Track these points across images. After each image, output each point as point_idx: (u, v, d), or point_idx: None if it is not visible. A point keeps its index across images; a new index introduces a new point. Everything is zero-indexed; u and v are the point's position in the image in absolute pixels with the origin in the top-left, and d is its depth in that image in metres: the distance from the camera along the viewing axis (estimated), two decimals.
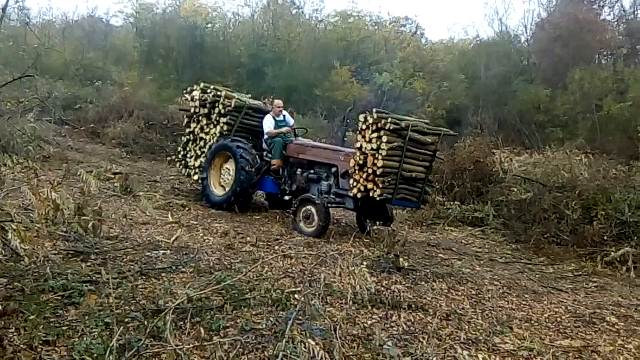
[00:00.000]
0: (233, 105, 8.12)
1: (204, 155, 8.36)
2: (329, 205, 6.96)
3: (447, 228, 8.71)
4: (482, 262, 6.67)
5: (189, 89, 8.93)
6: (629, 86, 19.12)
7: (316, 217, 6.74)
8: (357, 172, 6.58)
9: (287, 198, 7.72)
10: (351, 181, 6.68)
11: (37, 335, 3.07)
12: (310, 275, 4.86)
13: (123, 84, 18.93)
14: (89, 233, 4.53)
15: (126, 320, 3.42)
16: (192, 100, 8.63)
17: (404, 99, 20.11)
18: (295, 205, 7.02)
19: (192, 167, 8.63)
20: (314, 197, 6.96)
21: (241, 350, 3.24)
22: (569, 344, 4.01)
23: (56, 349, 3.03)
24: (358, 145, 6.63)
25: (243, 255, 5.50)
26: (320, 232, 6.68)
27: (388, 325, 3.96)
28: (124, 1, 27.03)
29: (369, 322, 3.95)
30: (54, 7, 50.48)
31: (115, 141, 13.29)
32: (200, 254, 5.26)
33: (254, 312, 3.83)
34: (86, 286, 3.89)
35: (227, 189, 7.88)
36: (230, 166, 7.96)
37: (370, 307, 4.22)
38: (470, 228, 8.73)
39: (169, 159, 10.28)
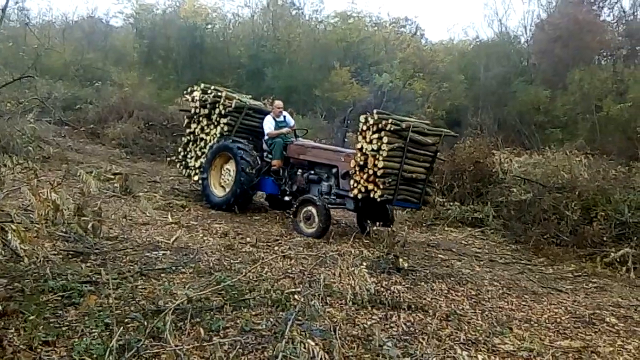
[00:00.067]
0: (233, 105, 8.12)
1: (204, 155, 8.36)
2: (329, 205, 6.96)
3: (446, 228, 8.71)
4: (481, 262, 6.67)
5: (189, 90, 8.94)
6: (629, 87, 19.14)
7: (316, 218, 6.74)
8: (357, 172, 6.58)
9: (287, 198, 7.72)
10: (351, 182, 6.68)
11: (36, 335, 3.07)
12: (309, 276, 4.86)
13: (123, 85, 18.95)
14: (89, 233, 4.53)
15: (126, 320, 3.42)
16: (192, 100, 8.63)
17: (403, 100, 20.13)
18: (295, 206, 7.02)
19: (192, 168, 8.62)
20: (314, 198, 6.96)
21: (241, 350, 3.24)
22: (568, 344, 4.01)
23: (56, 349, 3.03)
24: (358, 145, 6.63)
25: (242, 255, 5.50)
26: (321, 233, 6.68)
27: (387, 326, 3.96)
28: (124, 2, 27.03)
29: (369, 323, 3.95)
30: (53, 8, 50.13)
31: (114, 141, 13.30)
32: (199, 254, 5.26)
33: (253, 313, 3.83)
34: (86, 286, 3.89)
35: (227, 190, 7.88)
36: (231, 167, 7.97)
37: (369, 308, 4.22)
38: (469, 228, 8.73)
39: (168, 159, 10.27)
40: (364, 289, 4.27)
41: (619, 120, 18.02)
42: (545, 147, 13.17)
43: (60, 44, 21.93)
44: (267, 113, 8.16)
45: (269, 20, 25.38)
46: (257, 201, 8.76)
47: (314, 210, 6.79)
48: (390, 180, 6.36)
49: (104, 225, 4.76)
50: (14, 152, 8.24)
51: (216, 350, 2.96)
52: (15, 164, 5.69)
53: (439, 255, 6.73)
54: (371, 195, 6.44)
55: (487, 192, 9.63)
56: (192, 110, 8.62)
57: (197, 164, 8.51)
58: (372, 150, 6.40)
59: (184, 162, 8.81)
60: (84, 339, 3.11)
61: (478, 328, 4.14)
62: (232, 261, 5.19)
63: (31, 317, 3.26)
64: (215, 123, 8.30)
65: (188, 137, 8.80)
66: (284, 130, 7.93)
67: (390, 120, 6.37)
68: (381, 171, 6.32)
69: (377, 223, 6.97)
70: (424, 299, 4.73)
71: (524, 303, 4.99)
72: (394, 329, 3.92)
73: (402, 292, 4.78)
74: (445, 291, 5.06)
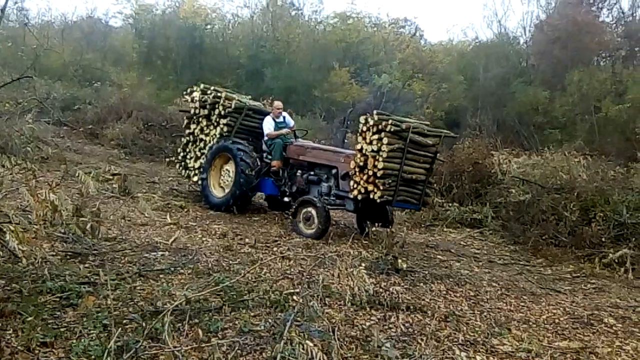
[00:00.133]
0: (233, 106, 8.11)
1: (203, 156, 8.36)
2: (329, 206, 6.96)
3: (445, 229, 8.71)
4: (480, 263, 6.68)
5: (188, 90, 8.93)
6: (627, 88, 19.15)
7: (316, 219, 6.73)
8: (357, 173, 6.58)
9: (286, 199, 7.72)
10: (351, 183, 6.68)
11: (34, 336, 3.06)
12: (308, 277, 4.86)
13: (122, 85, 18.92)
14: (87, 234, 4.53)
15: (124, 321, 3.42)
16: (192, 101, 8.62)
17: (402, 100, 20.12)
18: (295, 207, 7.02)
19: (192, 169, 8.62)
20: (314, 199, 6.96)
21: (239, 351, 3.24)
22: (566, 345, 4.02)
23: (54, 350, 3.03)
24: (358, 146, 6.63)
25: (241, 256, 5.50)
26: (320, 234, 6.68)
27: (386, 327, 3.96)
28: (123, 2, 26.99)
29: (367, 324, 3.95)
30: (52, 8, 50.48)
31: (113, 142, 13.29)
32: (198, 255, 5.26)
33: (252, 314, 3.83)
34: (84, 287, 3.88)
35: (227, 191, 7.88)
36: (230, 167, 7.96)
37: (368, 309, 4.22)
38: (468, 229, 8.74)
39: (167, 159, 10.27)
40: (363, 289, 4.27)
41: (618, 121, 18.04)
42: (544, 148, 13.19)
43: (59, 44, 21.91)
44: (267, 114, 8.16)
45: (269, 20, 25.37)
46: (256, 202, 8.76)
47: (313, 212, 6.79)
48: (390, 181, 6.36)
49: (102, 226, 4.76)
50: (12, 153, 8.21)
51: (215, 351, 2.96)
52: (14, 165, 5.67)
53: (438, 256, 6.73)
54: (371, 196, 6.44)
55: (486, 193, 9.63)
56: (192, 111, 8.61)
57: (197, 165, 8.50)
58: (372, 151, 6.40)
59: (183, 163, 8.80)
60: (82, 340, 3.11)
61: (477, 329, 4.14)
62: (230, 262, 5.19)
63: (29, 318, 3.26)
64: (215, 124, 8.29)
65: (187, 138, 8.79)
66: (284, 131, 7.93)
67: (390, 121, 6.38)
68: (381, 172, 6.32)
69: (377, 224, 6.98)
70: (423, 299, 4.74)
71: (522, 304, 5.00)
72: (392, 329, 3.92)
73: (401, 293, 4.78)
74: (444, 292, 5.07)
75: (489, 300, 4.99)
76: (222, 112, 8.15)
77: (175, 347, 2.91)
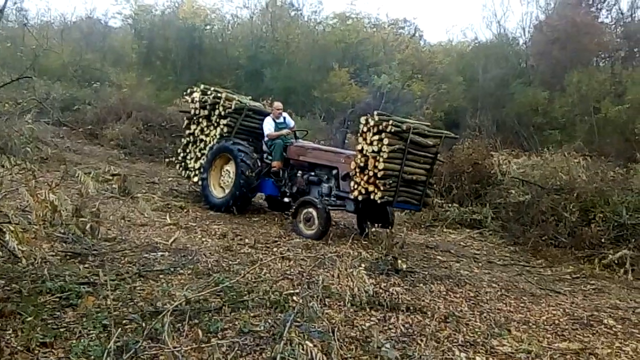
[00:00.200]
0: (233, 106, 8.11)
1: (203, 157, 8.35)
2: (329, 207, 6.96)
3: (445, 230, 8.71)
4: (480, 264, 6.68)
5: (188, 91, 8.92)
6: (627, 88, 19.18)
7: (316, 220, 6.72)
8: (357, 174, 6.58)
9: (286, 200, 7.72)
10: (352, 183, 6.68)
11: (34, 336, 3.06)
12: (308, 277, 4.86)
13: (121, 85, 18.93)
14: (87, 234, 4.53)
15: (124, 321, 3.42)
16: (192, 101, 8.62)
17: (402, 101, 20.13)
18: (295, 207, 7.01)
19: (192, 169, 8.61)
20: (315, 199, 6.95)
21: (239, 352, 3.24)
22: (566, 346, 4.02)
23: (53, 350, 3.03)
24: (359, 147, 6.62)
25: (241, 256, 5.49)
26: (320, 235, 6.67)
27: (386, 327, 3.96)
28: (122, 2, 26.93)
29: (367, 324, 3.95)
30: (52, 8, 50.29)
31: (113, 142, 13.28)
32: (198, 255, 5.26)
33: (252, 314, 3.83)
34: (84, 288, 3.88)
35: (227, 191, 7.87)
36: (230, 168, 7.95)
37: (368, 309, 4.21)
38: (468, 230, 8.74)
39: (167, 160, 10.26)
40: (363, 290, 4.27)
41: (617, 122, 18.06)
42: (544, 148, 13.22)
43: (58, 44, 21.89)
44: (267, 114, 8.16)
45: (268, 21, 25.36)
46: (256, 202, 8.75)
47: (314, 212, 6.78)
48: (390, 181, 6.36)
49: (102, 226, 4.76)
50: (12, 153, 8.20)
51: (214, 351, 2.95)
52: (13, 165, 5.66)
53: (438, 257, 6.73)
54: (371, 197, 6.44)
55: (486, 193, 9.63)
56: (192, 112, 8.61)
57: (197, 165, 8.50)
58: (373, 151, 6.40)
59: (183, 164, 8.80)
60: (82, 341, 3.10)
61: (476, 330, 4.14)
62: (230, 262, 5.19)
63: (29, 319, 3.25)
64: (215, 124, 8.29)
65: (187, 139, 8.79)
66: (284, 131, 7.93)
67: (390, 122, 6.38)
68: (381, 173, 6.32)
69: (377, 225, 6.98)
70: (423, 300, 4.73)
71: (522, 305, 5.00)
72: (392, 330, 3.92)
73: (401, 294, 4.78)
74: (444, 293, 5.06)
75: (488, 301, 4.99)
76: (222, 113, 8.14)
77: (175, 347, 2.90)
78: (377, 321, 4.05)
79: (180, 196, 8.61)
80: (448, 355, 3.57)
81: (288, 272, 5.04)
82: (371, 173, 6.41)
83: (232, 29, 26.92)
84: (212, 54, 23.79)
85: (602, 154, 12.33)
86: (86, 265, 4.46)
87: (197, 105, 8.47)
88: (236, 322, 3.65)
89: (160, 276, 4.49)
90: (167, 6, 26.57)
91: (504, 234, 8.40)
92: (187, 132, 8.78)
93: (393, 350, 3.46)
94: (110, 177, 8.22)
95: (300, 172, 7.61)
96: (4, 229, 3.56)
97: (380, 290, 4.80)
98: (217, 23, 26.56)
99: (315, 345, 3.08)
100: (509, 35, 26.55)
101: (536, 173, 10.08)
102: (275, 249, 6.05)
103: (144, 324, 3.26)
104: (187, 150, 8.75)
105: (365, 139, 6.55)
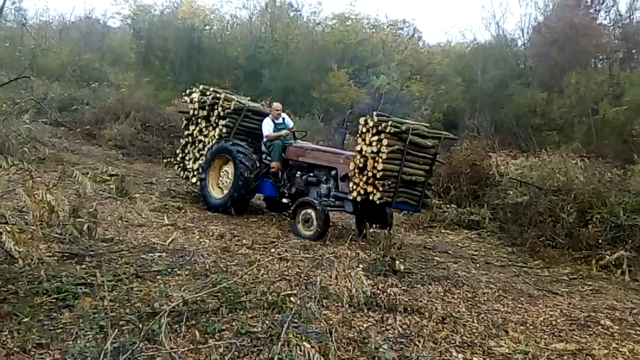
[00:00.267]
0: (232, 107, 8.10)
1: (202, 157, 8.34)
2: (328, 208, 6.96)
3: (443, 231, 8.72)
4: (477, 265, 6.68)
5: (187, 91, 8.92)
6: (625, 90, 19.22)
7: (315, 221, 6.72)
8: (356, 175, 6.58)
9: (285, 200, 7.71)
10: (351, 184, 6.68)
11: (30, 337, 3.05)
12: (306, 278, 4.86)
13: (119, 85, 18.92)
14: (84, 235, 4.53)
15: (120, 322, 3.41)
16: (191, 102, 8.61)
17: (400, 102, 20.12)
18: (294, 208, 7.00)
19: (190, 170, 8.60)
20: (314, 201, 6.95)
21: (236, 353, 3.23)
22: (563, 347, 4.02)
23: (50, 351, 3.02)
24: (358, 148, 6.62)
25: (239, 257, 5.49)
26: (318, 236, 6.68)
27: (383, 328, 3.96)
28: (121, 2, 26.91)
29: (365, 325, 3.95)
30: (50, 8, 50.42)
31: (111, 143, 13.25)
32: (195, 256, 5.25)
33: (249, 315, 3.82)
34: (80, 288, 3.87)
35: (225, 192, 7.87)
36: (229, 169, 7.94)
37: (365, 310, 4.21)
38: (466, 231, 8.75)
39: (165, 160, 10.26)
40: (360, 291, 4.26)
41: (615, 123, 18.10)
42: (542, 149, 13.22)
43: (57, 44, 21.89)
44: (266, 115, 8.15)
45: (267, 21, 25.36)
46: (254, 203, 8.74)
47: (313, 214, 6.78)
48: (389, 182, 6.36)
49: (99, 226, 4.76)
50: (9, 153, 8.18)
51: (212, 352, 2.95)
52: (11, 165, 5.65)
53: (435, 258, 6.73)
54: (370, 198, 6.44)
55: (484, 194, 9.65)
56: (191, 112, 8.60)
57: (195, 166, 8.49)
58: (372, 152, 6.41)
59: (182, 164, 8.79)
60: (79, 342, 3.09)
61: (474, 330, 4.14)
62: (228, 263, 5.18)
63: (25, 319, 3.25)
64: (214, 125, 8.28)
65: (186, 139, 8.78)
66: (283, 132, 7.93)
67: (390, 123, 6.38)
68: (380, 173, 6.32)
69: (375, 225, 6.98)
70: (420, 301, 4.73)
71: (519, 305, 5.00)
72: (390, 331, 3.92)
73: (398, 295, 4.78)
74: (442, 294, 5.07)
75: (486, 301, 5.00)
76: (221, 113, 8.14)
77: (172, 348, 2.90)
78: (374, 322, 4.05)
79: (178, 197, 8.60)
80: (445, 356, 3.57)
81: (286, 273, 5.04)
82: (370, 174, 6.41)
83: (231, 29, 26.91)
84: (210, 54, 23.79)
85: (600, 155, 12.36)
86: (83, 266, 4.45)
87: (196, 105, 8.46)
88: (233, 323, 3.65)
89: (158, 277, 4.48)
90: (166, 6, 26.59)
91: (502, 235, 8.41)
92: (186, 132, 8.77)
93: (390, 351, 3.46)
94: (108, 178, 8.22)
95: (299, 172, 7.60)
96: (1, 230, 3.55)
97: (378, 291, 4.80)
98: (216, 23, 26.56)
99: (312, 346, 3.08)
100: (508, 36, 26.61)
101: (534, 174, 10.10)
102: (273, 250, 6.05)
103: (141, 325, 3.26)
104: (186, 151, 8.75)
105: (364, 140, 6.55)
